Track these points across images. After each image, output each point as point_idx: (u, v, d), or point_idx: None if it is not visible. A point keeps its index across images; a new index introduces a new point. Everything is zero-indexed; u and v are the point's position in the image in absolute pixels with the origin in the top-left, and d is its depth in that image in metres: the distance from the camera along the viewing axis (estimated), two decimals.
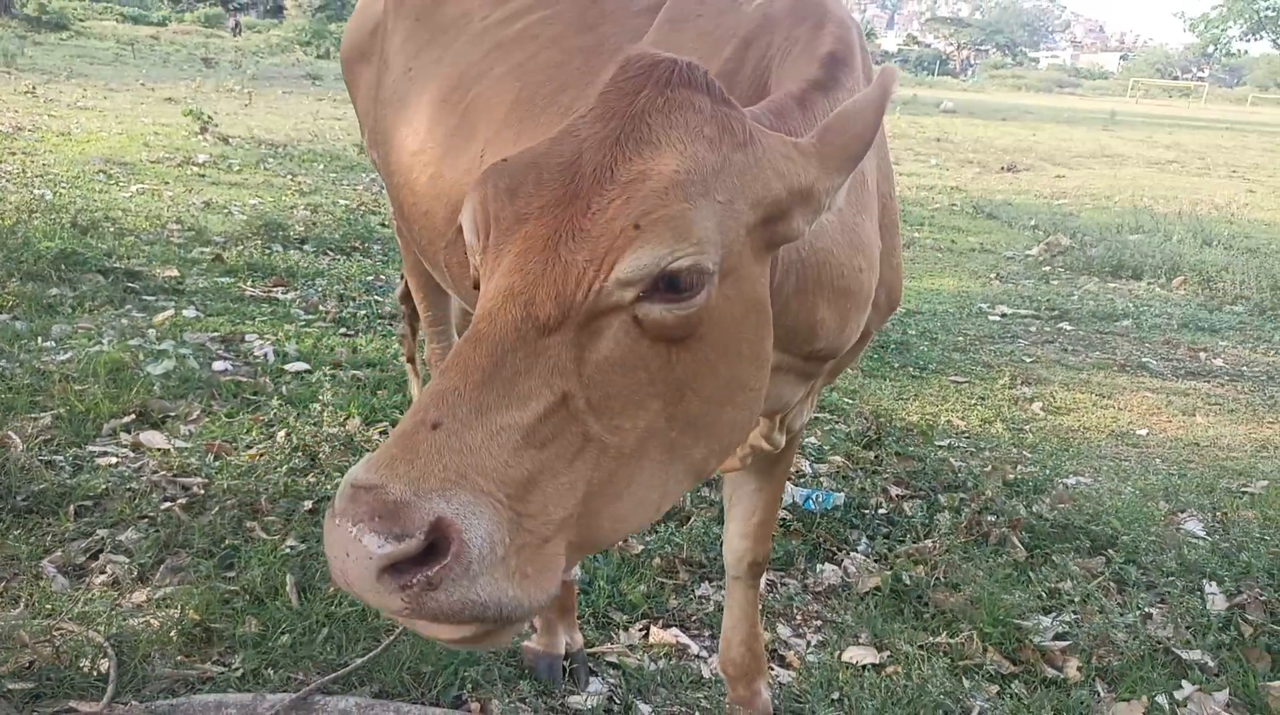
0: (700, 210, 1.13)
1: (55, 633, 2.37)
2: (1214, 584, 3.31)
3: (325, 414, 3.91)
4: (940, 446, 4.61)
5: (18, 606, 2.50)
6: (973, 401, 5.43)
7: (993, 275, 9.18)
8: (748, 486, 2.30)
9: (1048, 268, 9.49)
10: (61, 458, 3.37)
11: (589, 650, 2.65)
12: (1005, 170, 17.24)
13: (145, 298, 5.54)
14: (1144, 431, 5.12)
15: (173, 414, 3.91)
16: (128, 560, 2.78)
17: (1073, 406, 5.45)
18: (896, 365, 6.01)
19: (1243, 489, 4.33)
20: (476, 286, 1.19)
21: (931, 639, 2.92)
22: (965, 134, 23.25)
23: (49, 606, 2.50)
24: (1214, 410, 5.53)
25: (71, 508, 3.03)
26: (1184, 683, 2.81)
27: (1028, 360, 6.32)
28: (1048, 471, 4.33)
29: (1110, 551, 3.52)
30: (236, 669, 2.36)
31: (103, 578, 2.71)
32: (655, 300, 1.12)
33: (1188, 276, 8.76)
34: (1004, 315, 7.56)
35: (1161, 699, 2.71)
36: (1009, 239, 10.97)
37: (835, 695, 2.62)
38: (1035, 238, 10.79)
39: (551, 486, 1.08)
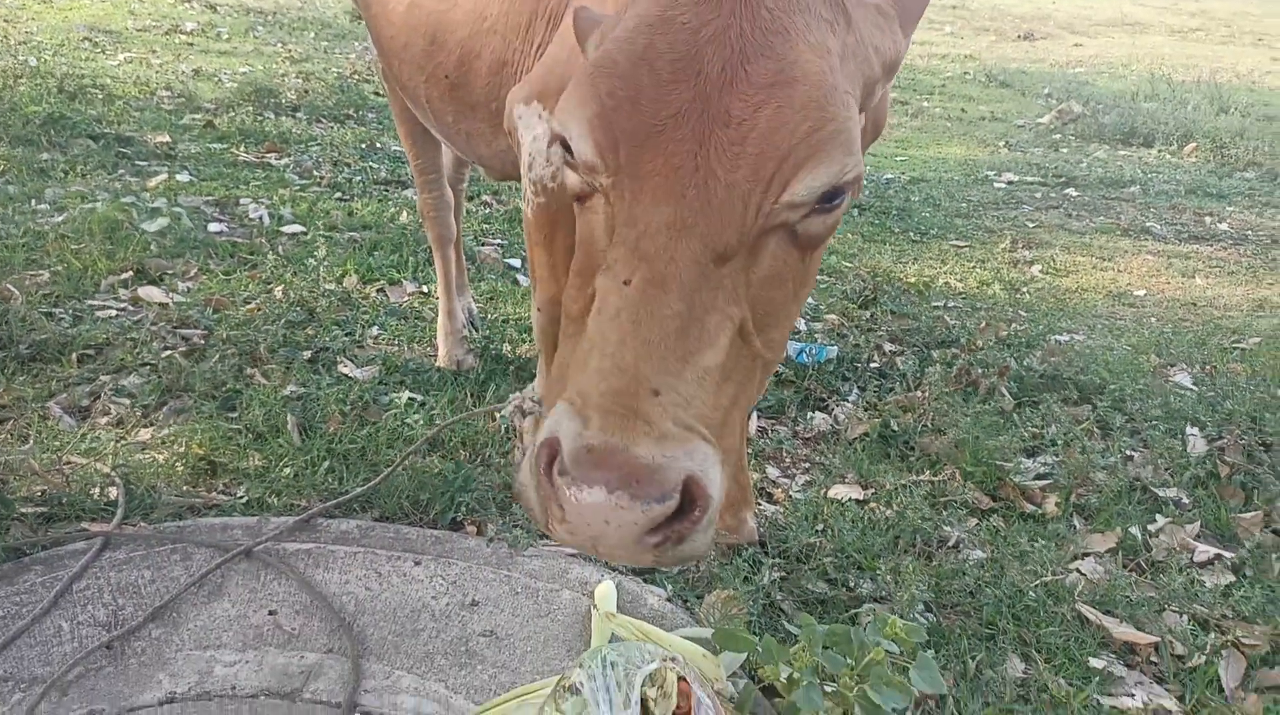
0: (851, 112, 1.05)
1: (64, 465, 2.46)
2: (1196, 429, 3.37)
3: (321, 270, 3.92)
4: (936, 306, 4.62)
5: (27, 442, 2.57)
6: (972, 264, 5.40)
7: (1001, 143, 9.00)
8: None
9: (1058, 136, 9.29)
10: (61, 310, 3.41)
11: None
12: (1022, 38, 16.64)
13: (138, 162, 5.48)
14: (1142, 292, 5.12)
15: (170, 272, 3.92)
16: (131, 402, 2.85)
17: (1072, 269, 5.43)
18: (897, 230, 5.96)
19: (1235, 345, 4.36)
20: (580, 199, 1.10)
21: (914, 477, 3.00)
22: (982, 1, 22.29)
23: (57, 442, 2.58)
24: (1214, 272, 5.51)
25: (74, 355, 3.08)
26: (1158, 516, 2.91)
27: (1030, 225, 6.26)
28: (1041, 329, 4.35)
29: (1097, 399, 3.57)
30: (241, 497, 2.45)
31: (107, 418, 2.78)
32: (815, 213, 1.07)
33: (1200, 143, 8.57)
34: (1010, 183, 7.45)
35: (1135, 530, 2.80)
36: (1021, 108, 10.69)
37: (819, 526, 2.72)
38: (1047, 106, 10.51)
39: (736, 413, 1.09)
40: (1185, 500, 3.02)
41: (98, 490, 2.39)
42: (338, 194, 5.38)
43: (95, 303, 3.55)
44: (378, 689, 1.85)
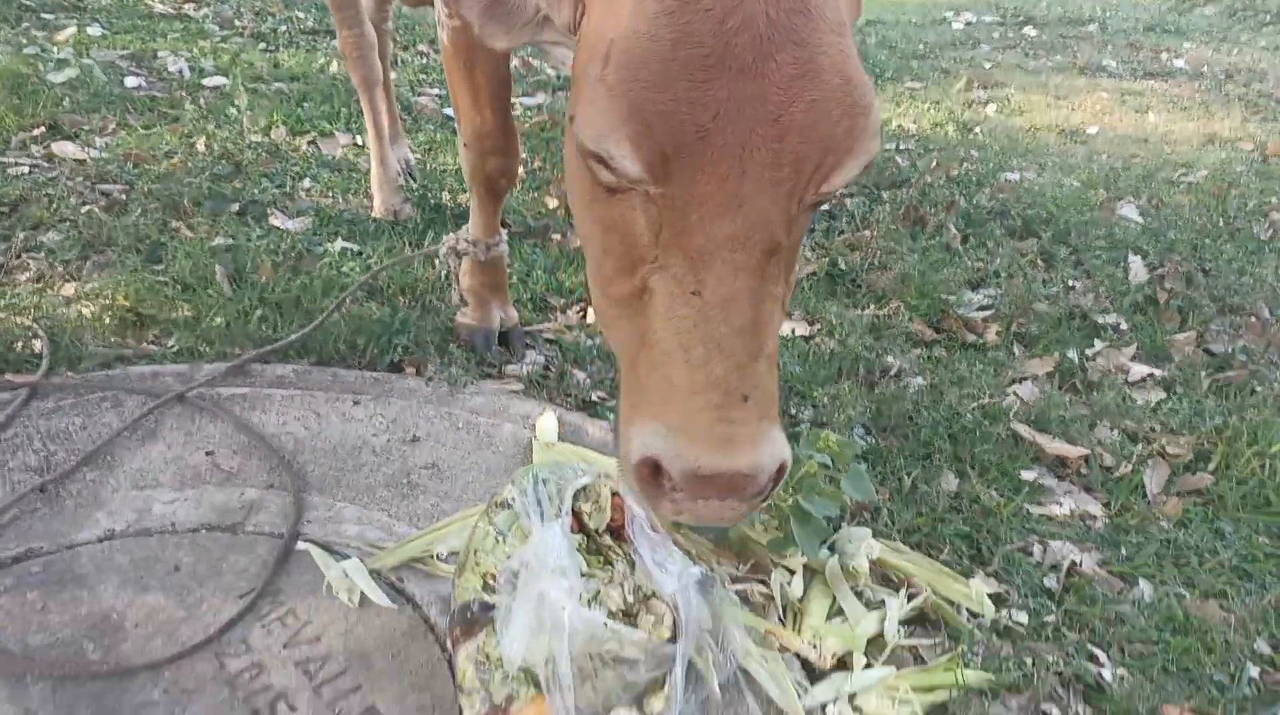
0: (872, 94, 1.04)
1: None
2: (1138, 257, 3.40)
3: (245, 122, 3.73)
4: (888, 148, 4.54)
5: None
6: (926, 106, 5.30)
7: None
8: None
9: None
10: None
11: (526, 329, 2.71)
12: None
13: (43, 15, 5.10)
14: (1094, 129, 5.07)
15: (85, 128, 3.71)
16: (51, 258, 2.74)
17: (1026, 108, 5.35)
18: None
19: (1182, 178, 4.37)
20: (610, 190, 1.06)
21: (859, 311, 3.01)
22: None
23: None
24: (1168, 108, 5.47)
25: None
26: (1095, 341, 2.96)
27: (987, 65, 6.13)
28: (991, 167, 4.31)
29: (1042, 232, 3.58)
30: (172, 346, 2.39)
31: (27, 275, 2.67)
32: None
33: None
34: (968, 23, 7.25)
35: (1072, 354, 2.85)
36: None
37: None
38: None
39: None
40: (1124, 325, 3.07)
41: (20, 344, 2.31)
42: (262, 44, 5.08)
43: (6, 160, 3.35)
44: (320, 519, 1.86)
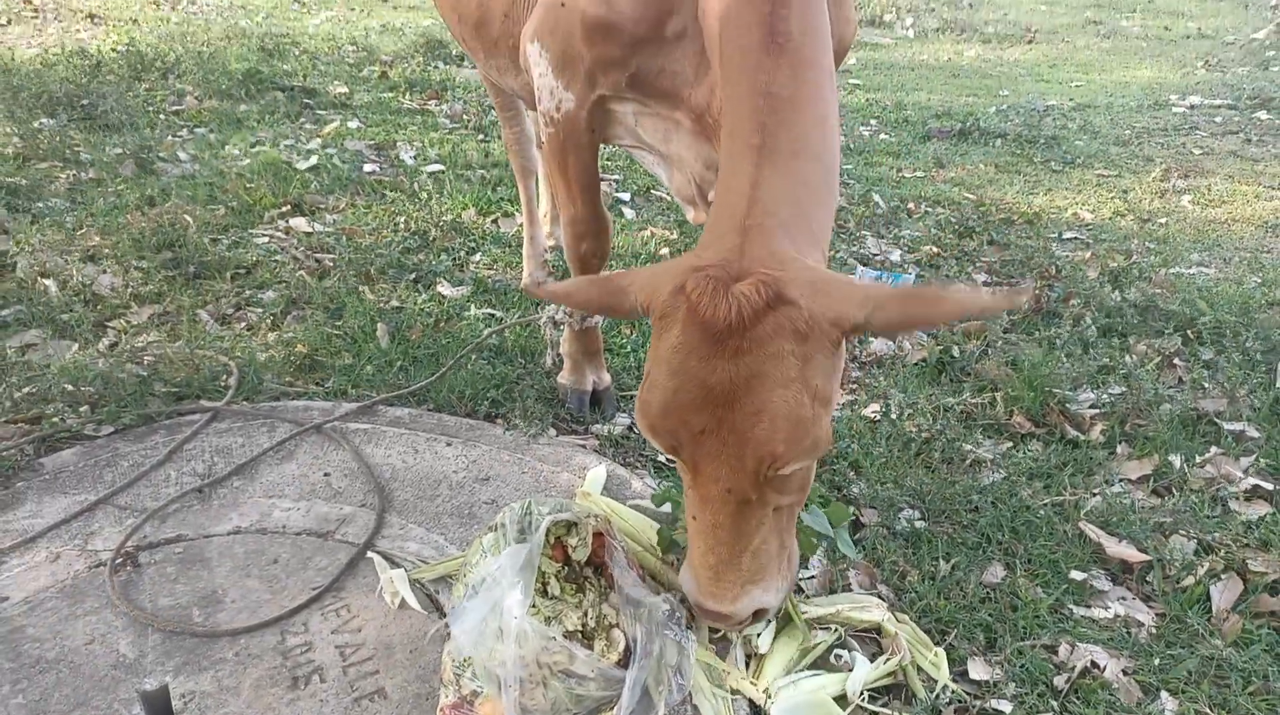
0: (814, 411, 1.49)
1: (199, 357, 3.03)
2: None
3: (434, 203, 4.38)
4: (1050, 237, 4.46)
5: (178, 340, 3.18)
6: (1111, 194, 5.11)
7: (1200, 64, 8.18)
8: None
9: (1272, 53, 8.29)
10: (226, 238, 4.06)
11: (621, 393, 3.02)
12: None
13: (318, 112, 6.20)
14: None
15: (322, 206, 4.52)
16: (263, 311, 3.42)
17: (1228, 199, 5.01)
18: (1039, 160, 5.70)
19: None
20: (670, 455, 1.62)
21: (951, 399, 3.04)
22: None
23: (199, 341, 3.17)
24: None
25: (229, 274, 3.70)
26: (1212, 448, 2.79)
27: (1197, 153, 5.77)
28: (1156, 261, 4.11)
29: (1188, 331, 3.40)
30: (328, 387, 2.93)
31: (242, 325, 3.35)
32: None
33: None
34: (1192, 107, 6.83)
35: (1175, 458, 2.72)
36: (1238, 22, 9.57)
37: (844, 442, 2.84)
38: (1269, 18, 9.34)
39: (787, 527, 1.72)
40: (1254, 434, 2.87)
41: (220, 377, 2.94)
42: (480, 136, 5.86)
43: (256, 232, 4.19)
44: (391, 536, 2.24)
